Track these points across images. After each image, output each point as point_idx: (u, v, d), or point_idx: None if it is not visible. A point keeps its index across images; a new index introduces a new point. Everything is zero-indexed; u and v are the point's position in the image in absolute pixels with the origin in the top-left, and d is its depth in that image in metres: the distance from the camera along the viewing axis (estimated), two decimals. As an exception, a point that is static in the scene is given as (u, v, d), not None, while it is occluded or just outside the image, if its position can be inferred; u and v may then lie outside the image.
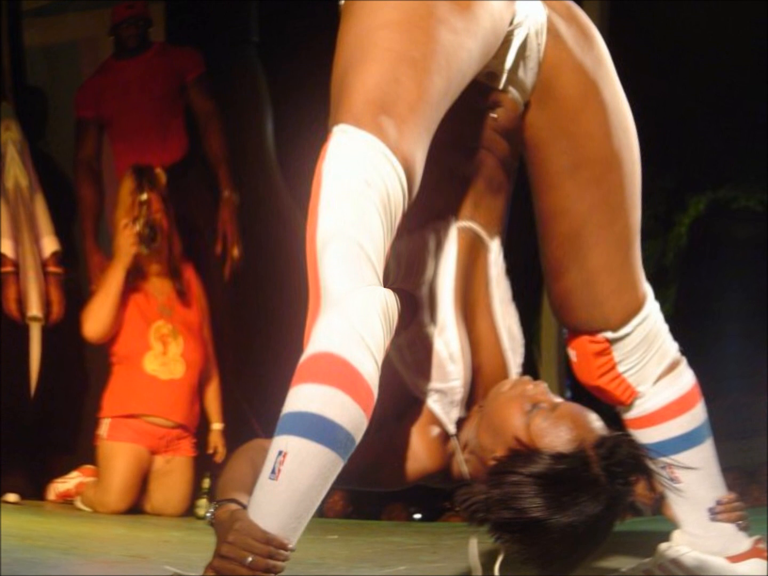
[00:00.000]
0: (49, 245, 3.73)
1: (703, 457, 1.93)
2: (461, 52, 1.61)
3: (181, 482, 3.85)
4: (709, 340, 4.01)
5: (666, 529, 2.06)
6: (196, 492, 3.86)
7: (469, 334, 1.80)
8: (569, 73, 1.77)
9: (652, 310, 1.88)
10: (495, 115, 1.78)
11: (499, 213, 1.83)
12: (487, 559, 1.65)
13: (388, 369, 1.58)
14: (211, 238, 4.14)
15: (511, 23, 1.72)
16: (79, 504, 3.80)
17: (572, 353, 1.89)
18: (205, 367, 3.92)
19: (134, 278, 3.78)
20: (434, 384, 1.77)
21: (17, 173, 3.75)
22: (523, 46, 1.74)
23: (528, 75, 1.77)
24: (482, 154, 1.79)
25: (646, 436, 1.90)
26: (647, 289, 1.88)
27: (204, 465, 3.96)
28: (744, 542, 1.95)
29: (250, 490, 1.47)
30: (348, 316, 1.46)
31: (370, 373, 1.48)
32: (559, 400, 1.67)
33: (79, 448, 4.07)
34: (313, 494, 1.44)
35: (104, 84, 4.29)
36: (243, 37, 4.98)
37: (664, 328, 1.90)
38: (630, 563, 2.14)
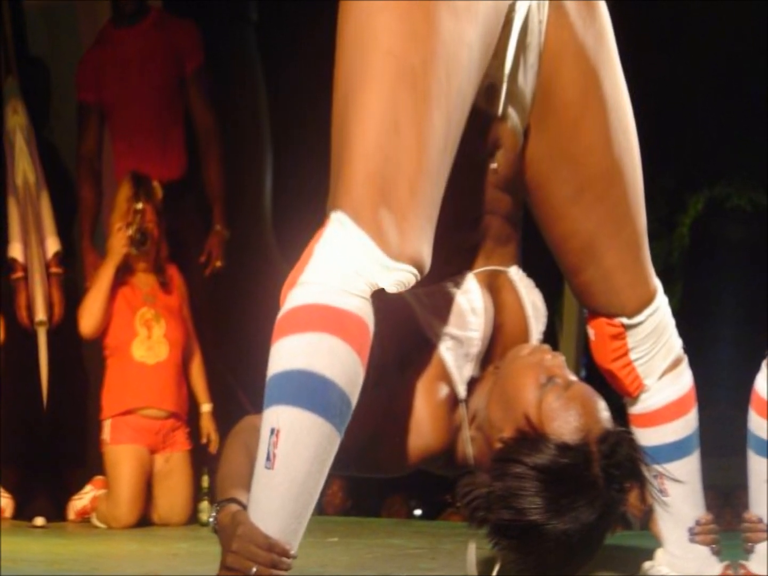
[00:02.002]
0: (52, 246, 3.80)
1: (690, 470, 1.99)
2: (461, 51, 1.54)
3: (182, 483, 4.00)
4: (706, 343, 4.07)
5: (651, 546, 2.11)
6: (197, 493, 3.99)
7: (495, 299, 1.78)
8: (570, 62, 1.74)
9: (661, 304, 1.95)
10: (495, 165, 1.76)
11: (512, 253, 1.85)
12: (484, 569, 1.67)
13: (395, 299, 1.52)
14: (196, 251, 4.30)
15: None
16: (95, 521, 3.94)
17: (591, 332, 1.95)
18: (186, 343, 4.09)
19: (122, 273, 3.97)
20: (450, 329, 1.71)
21: (26, 167, 3.79)
22: (524, 31, 1.69)
23: (528, 77, 1.74)
24: (487, 219, 1.78)
25: (645, 437, 1.94)
26: (657, 284, 1.95)
27: (200, 458, 4.07)
28: (716, 567, 2.01)
29: (247, 483, 1.45)
30: (326, 260, 1.44)
31: (359, 306, 1.43)
32: (573, 377, 1.66)
33: (89, 458, 4.19)
34: (311, 484, 1.41)
35: (104, 58, 4.30)
36: (241, 14, 4.99)
37: (672, 322, 1.98)
38: None
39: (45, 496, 3.88)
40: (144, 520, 3.93)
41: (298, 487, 1.41)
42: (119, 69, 4.27)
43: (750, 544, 2.01)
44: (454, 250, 1.75)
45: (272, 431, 1.40)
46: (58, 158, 4.39)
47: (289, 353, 1.42)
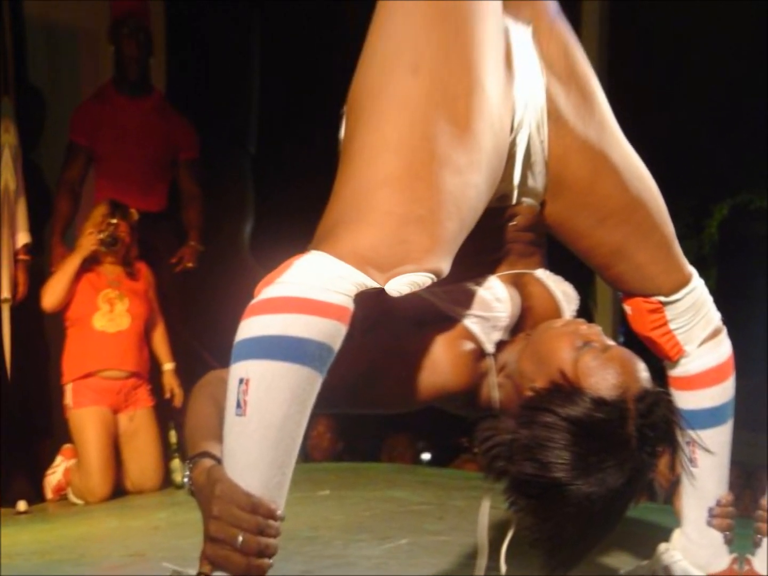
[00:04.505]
0: (23, 238, 4.09)
1: (721, 441, 1.99)
2: (468, 190, 1.53)
3: (149, 442, 4.09)
4: (743, 318, 4.19)
5: (670, 524, 2.11)
6: (166, 451, 4.11)
7: (521, 292, 1.75)
8: (576, 156, 1.77)
9: (698, 284, 1.96)
10: (514, 223, 1.78)
11: (537, 261, 1.83)
12: (495, 535, 1.56)
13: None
14: (168, 255, 4.58)
15: (512, 128, 1.68)
16: (72, 498, 3.98)
17: (627, 308, 1.96)
18: (150, 317, 4.26)
19: (90, 263, 4.16)
20: (475, 311, 1.65)
21: (8, 177, 4.05)
22: (527, 156, 1.72)
23: (538, 180, 1.77)
24: (508, 246, 1.78)
25: (682, 400, 1.95)
26: (692, 270, 1.97)
27: (165, 414, 4.15)
28: (724, 559, 2.03)
29: (218, 435, 1.34)
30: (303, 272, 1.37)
31: (343, 300, 1.35)
32: (611, 342, 1.58)
33: (55, 427, 4.30)
34: (291, 426, 1.30)
35: (102, 116, 4.52)
36: (239, 143, 5.32)
37: (710, 299, 2.00)
38: (630, 562, 2.19)
39: (22, 475, 4.00)
40: (118, 490, 3.97)
41: (277, 432, 1.29)
42: (116, 134, 4.51)
43: (759, 536, 2.02)
44: (476, 263, 1.72)
45: (241, 381, 1.30)
46: (41, 180, 4.62)
47: (260, 324, 1.32)
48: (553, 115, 1.73)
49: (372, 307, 1.45)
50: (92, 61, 4.87)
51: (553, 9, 1.80)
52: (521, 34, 1.72)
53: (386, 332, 1.59)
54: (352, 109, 1.56)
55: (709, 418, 1.97)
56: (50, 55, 4.88)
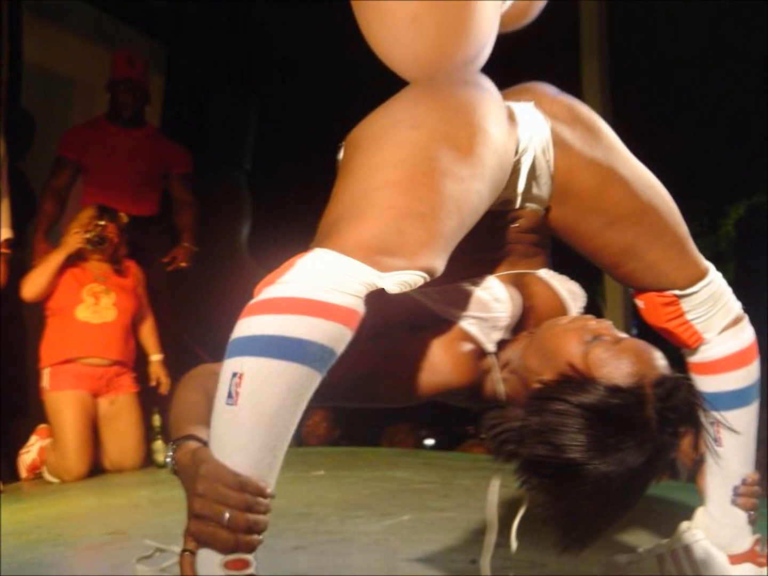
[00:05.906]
0: (5, 234, 4.20)
1: (747, 421, 1.99)
2: (471, 195, 1.56)
3: (131, 424, 4.11)
4: (763, 307, 4.22)
5: (693, 503, 2.11)
6: (148, 433, 4.12)
7: (523, 292, 1.76)
8: (583, 171, 1.82)
9: (715, 277, 1.97)
10: (517, 225, 1.81)
11: (541, 261, 1.85)
12: (506, 513, 1.50)
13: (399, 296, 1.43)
14: (159, 255, 4.72)
15: (516, 151, 1.74)
16: (47, 476, 3.98)
17: (640, 302, 1.96)
18: (137, 311, 4.32)
19: (75, 259, 4.25)
20: (472, 312, 1.67)
21: None
22: (532, 169, 1.78)
23: (543, 189, 1.81)
24: (509, 247, 1.81)
25: (704, 384, 1.95)
26: (709, 264, 1.98)
27: (149, 399, 4.15)
28: (747, 540, 2.02)
29: (206, 421, 1.31)
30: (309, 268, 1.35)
31: (351, 302, 1.34)
32: (623, 335, 1.57)
33: (29, 407, 4.33)
34: (286, 417, 1.27)
35: (93, 138, 4.70)
36: (235, 160, 5.53)
37: (729, 290, 2.00)
38: (651, 540, 2.16)
39: (-4, 457, 4.03)
40: (96, 469, 3.97)
41: (269, 420, 1.26)
42: (106, 152, 4.70)
43: None
44: (474, 261, 1.74)
45: (234, 374, 1.28)
46: (27, 184, 4.78)
47: (259, 324, 1.31)
48: (559, 143, 1.81)
49: (379, 314, 1.45)
50: (87, 103, 5.11)
51: (553, 91, 1.90)
52: (523, 106, 1.80)
53: (387, 339, 1.61)
54: (350, 143, 1.63)
55: (733, 399, 1.97)
56: (46, 96, 5.02)
